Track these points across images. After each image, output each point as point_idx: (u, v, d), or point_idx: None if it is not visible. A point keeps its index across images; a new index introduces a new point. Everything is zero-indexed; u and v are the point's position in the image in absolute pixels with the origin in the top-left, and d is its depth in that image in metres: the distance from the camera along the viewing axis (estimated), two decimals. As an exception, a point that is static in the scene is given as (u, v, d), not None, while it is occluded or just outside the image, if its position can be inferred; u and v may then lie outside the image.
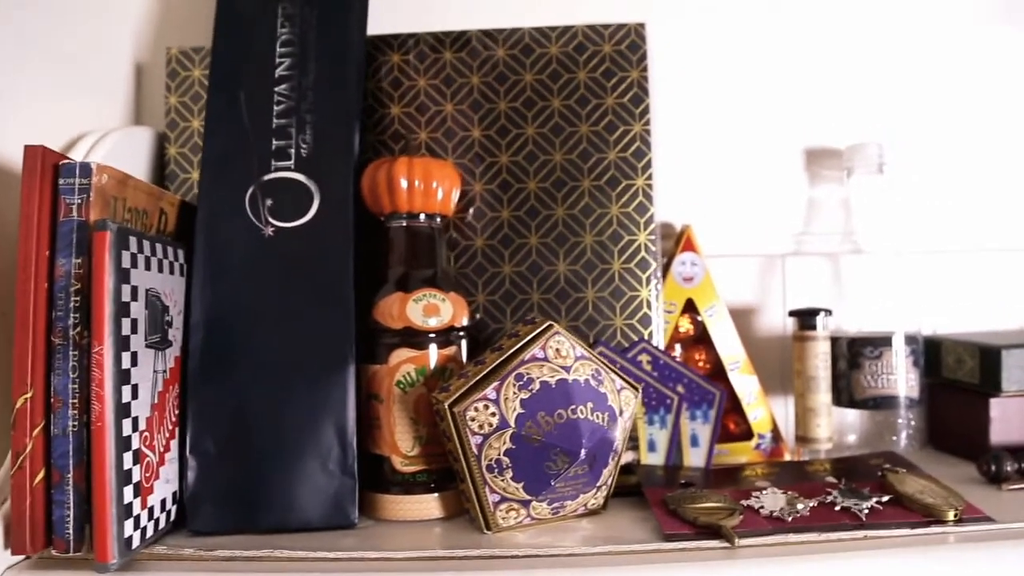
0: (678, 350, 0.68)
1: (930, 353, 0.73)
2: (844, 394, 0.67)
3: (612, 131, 0.64)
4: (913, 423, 0.67)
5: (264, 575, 0.47)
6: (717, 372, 0.68)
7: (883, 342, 0.65)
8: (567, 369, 0.52)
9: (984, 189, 0.77)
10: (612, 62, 0.65)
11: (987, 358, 0.66)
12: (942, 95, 0.76)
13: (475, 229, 0.64)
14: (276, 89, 0.59)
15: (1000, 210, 0.77)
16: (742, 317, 0.73)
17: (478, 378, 0.52)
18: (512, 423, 0.51)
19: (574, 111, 0.64)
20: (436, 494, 0.55)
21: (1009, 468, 0.61)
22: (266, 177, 0.57)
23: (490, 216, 0.64)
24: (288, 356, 0.54)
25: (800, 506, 0.53)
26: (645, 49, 0.65)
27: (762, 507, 0.53)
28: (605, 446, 0.53)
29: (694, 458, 0.62)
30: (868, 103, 0.75)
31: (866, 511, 0.52)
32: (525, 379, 0.52)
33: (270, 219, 0.57)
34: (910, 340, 0.66)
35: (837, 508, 0.53)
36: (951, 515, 0.51)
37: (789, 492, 0.56)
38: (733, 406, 0.68)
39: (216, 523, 0.53)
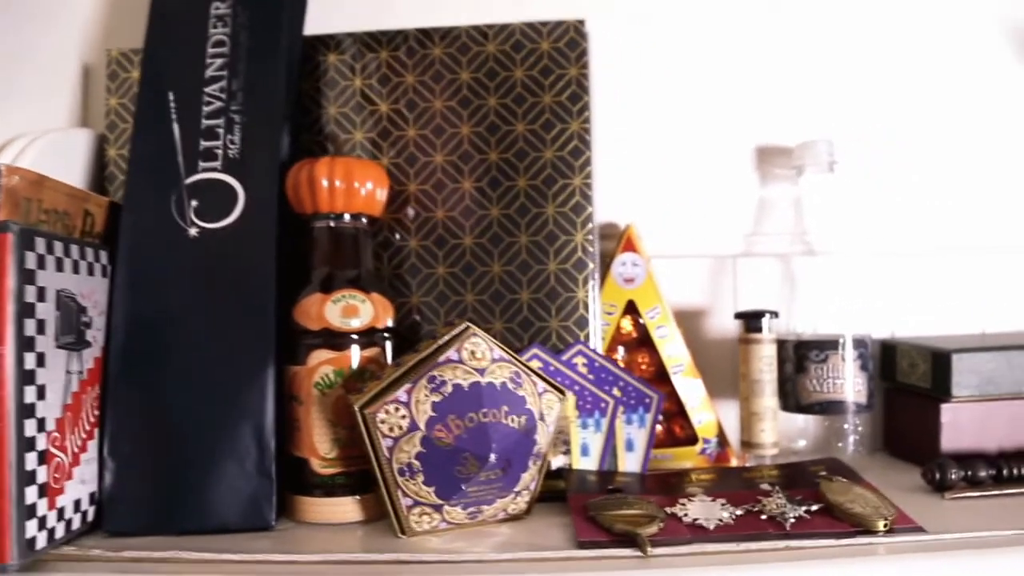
0: (621, 352, 0.67)
1: (886, 357, 0.71)
2: (791, 398, 0.65)
3: (549, 129, 0.63)
4: (860, 429, 0.65)
5: (174, 576, 0.47)
6: (661, 375, 0.66)
7: (829, 345, 0.63)
8: (481, 372, 0.51)
9: (939, 189, 0.75)
10: (550, 60, 0.63)
11: (938, 362, 0.63)
12: (895, 92, 0.74)
13: (409, 229, 0.63)
14: (206, 90, 0.59)
15: (959, 210, 0.75)
16: (692, 319, 0.71)
17: (391, 380, 0.51)
18: (422, 426, 0.50)
19: (510, 110, 0.63)
20: (355, 497, 0.54)
21: (954, 476, 0.59)
22: (193, 178, 0.57)
23: (424, 216, 0.63)
24: (208, 357, 0.54)
25: (726, 514, 0.52)
26: (584, 46, 0.64)
27: (686, 515, 0.52)
28: (521, 450, 0.52)
29: (629, 463, 0.61)
30: (819, 100, 0.73)
31: (792, 520, 0.51)
32: (438, 382, 0.51)
33: (195, 220, 0.57)
34: (858, 343, 0.64)
35: (764, 517, 0.51)
36: (880, 525, 0.50)
37: (719, 499, 0.54)
38: (678, 410, 0.66)
39: (133, 524, 0.53)
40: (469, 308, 0.63)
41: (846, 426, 0.64)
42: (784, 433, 0.67)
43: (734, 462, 0.66)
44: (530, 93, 0.63)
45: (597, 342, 0.63)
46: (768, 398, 0.64)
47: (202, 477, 0.53)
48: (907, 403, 0.68)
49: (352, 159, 0.57)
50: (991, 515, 0.54)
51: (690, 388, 0.66)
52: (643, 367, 0.67)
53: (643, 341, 0.67)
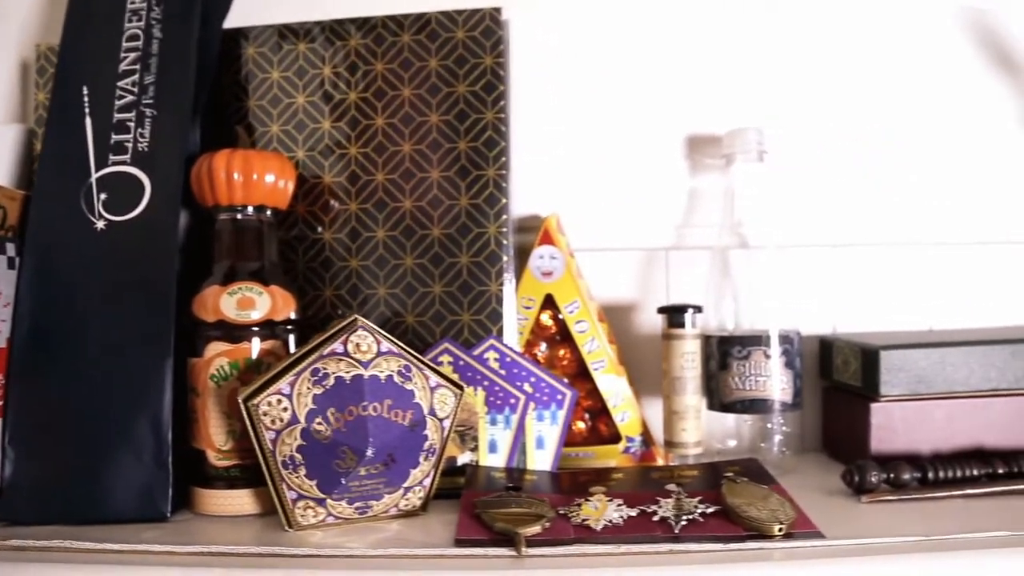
0: (543, 348, 0.66)
1: (824, 354, 0.69)
2: (715, 396, 0.63)
3: (463, 120, 0.62)
4: (786, 428, 0.63)
5: (59, 565, 0.47)
6: (583, 371, 0.65)
7: (752, 342, 0.61)
8: (365, 365, 0.51)
9: (881, 180, 0.72)
10: (466, 49, 0.63)
11: (867, 360, 0.61)
12: (830, 79, 0.72)
13: (323, 222, 0.63)
14: (119, 84, 0.60)
15: (902, 203, 0.72)
16: (622, 314, 0.70)
17: (275, 372, 0.51)
18: (302, 419, 0.50)
19: (425, 100, 0.63)
20: (250, 490, 0.54)
21: (874, 479, 0.56)
22: (103, 171, 0.58)
23: (338, 209, 0.63)
24: (110, 348, 0.55)
25: (617, 515, 0.50)
26: (500, 34, 0.63)
27: (576, 515, 0.50)
28: (408, 445, 0.52)
29: (539, 461, 0.59)
30: (750, 88, 0.71)
31: (684, 523, 0.49)
32: (320, 374, 0.51)
33: (103, 213, 0.58)
34: (784, 340, 0.62)
35: (656, 518, 0.50)
36: (775, 529, 0.48)
37: (616, 500, 0.53)
38: (603, 407, 0.65)
39: (32, 513, 0.53)
40: (382, 301, 0.62)
41: (770, 425, 0.62)
42: (716, 432, 0.65)
43: (660, 461, 0.65)
44: (445, 83, 0.63)
45: (512, 336, 0.63)
46: (690, 396, 0.62)
47: (100, 468, 0.54)
48: (841, 402, 0.66)
49: (252, 151, 0.57)
50: (905, 519, 0.52)
51: (612, 385, 0.64)
52: (565, 363, 0.65)
53: (565, 336, 0.65)
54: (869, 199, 0.71)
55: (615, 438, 0.65)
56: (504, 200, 0.62)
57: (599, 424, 0.66)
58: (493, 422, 0.59)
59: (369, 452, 0.49)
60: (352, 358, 0.51)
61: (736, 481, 0.53)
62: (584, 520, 0.50)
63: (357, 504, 0.52)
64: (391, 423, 0.51)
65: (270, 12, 0.66)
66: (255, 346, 0.55)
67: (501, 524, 0.48)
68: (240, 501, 0.55)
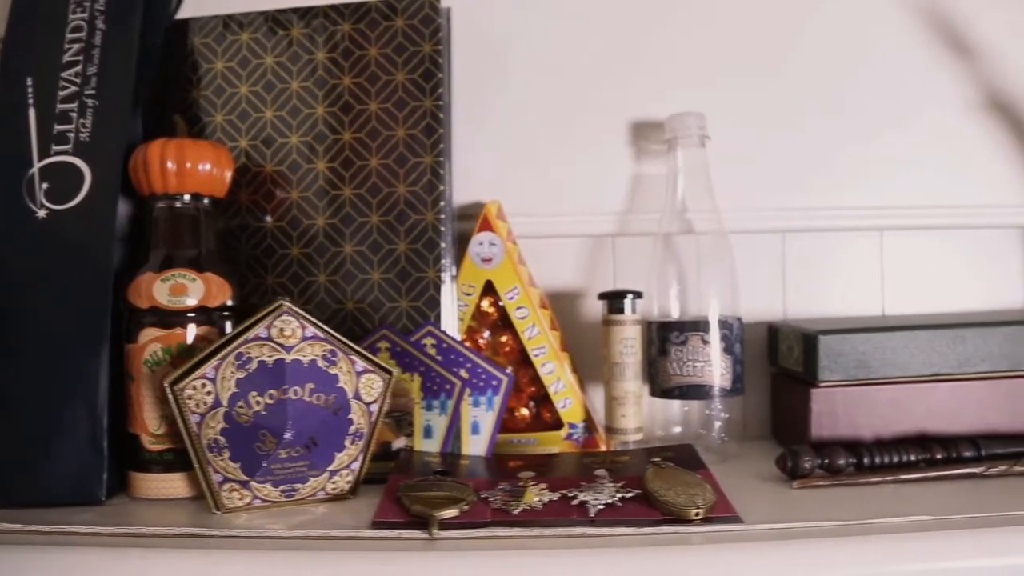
0: (487, 335, 0.66)
1: (772, 340, 0.68)
2: (655, 382, 0.63)
3: (402, 108, 0.63)
4: (724, 414, 0.62)
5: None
6: (526, 358, 0.65)
7: (690, 327, 0.61)
8: (288, 349, 0.52)
9: (828, 165, 0.71)
10: (405, 37, 0.63)
11: (808, 345, 0.61)
12: (772, 66, 0.71)
13: (266, 210, 0.64)
14: (62, 75, 0.61)
15: (846, 188, 0.71)
16: (569, 301, 0.70)
17: (201, 357, 0.52)
18: (225, 402, 0.51)
19: (364, 89, 0.63)
20: (183, 473, 0.55)
21: (807, 464, 0.56)
22: (45, 161, 0.59)
23: (280, 197, 0.64)
24: (48, 335, 0.56)
25: (536, 499, 0.51)
26: (439, 22, 0.63)
27: (495, 499, 0.51)
28: (331, 429, 0.52)
29: (474, 446, 0.60)
30: (693, 73, 0.71)
31: (601, 507, 0.49)
32: (244, 358, 0.51)
33: (44, 202, 0.59)
34: (723, 325, 0.62)
35: (575, 503, 0.50)
36: (692, 513, 0.48)
37: (540, 484, 0.53)
38: (546, 394, 0.65)
39: (-31, 497, 0.55)
40: (322, 288, 0.63)
41: (709, 412, 0.62)
42: (661, 418, 0.65)
43: (602, 447, 0.65)
44: (384, 71, 0.63)
45: (452, 323, 0.63)
46: (629, 382, 0.62)
47: (36, 452, 0.55)
48: (786, 388, 0.66)
49: (187, 141, 0.58)
50: (832, 504, 0.52)
51: (554, 371, 0.64)
52: (507, 350, 0.66)
53: (506, 323, 0.66)
54: (819, 185, 0.71)
55: (558, 424, 0.65)
56: (442, 187, 0.62)
57: (543, 411, 0.66)
58: (429, 407, 0.60)
59: (288, 435, 0.50)
60: (275, 343, 0.52)
61: (662, 466, 0.53)
62: (502, 504, 0.50)
63: (283, 487, 0.53)
64: (312, 407, 0.51)
65: (216, 2, 0.67)
66: (190, 332, 0.56)
67: (417, 507, 0.49)
68: (173, 484, 0.56)
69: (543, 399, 0.66)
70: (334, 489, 0.54)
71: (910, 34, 0.72)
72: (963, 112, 0.71)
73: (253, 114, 0.65)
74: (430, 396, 0.60)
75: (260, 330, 0.52)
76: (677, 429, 0.65)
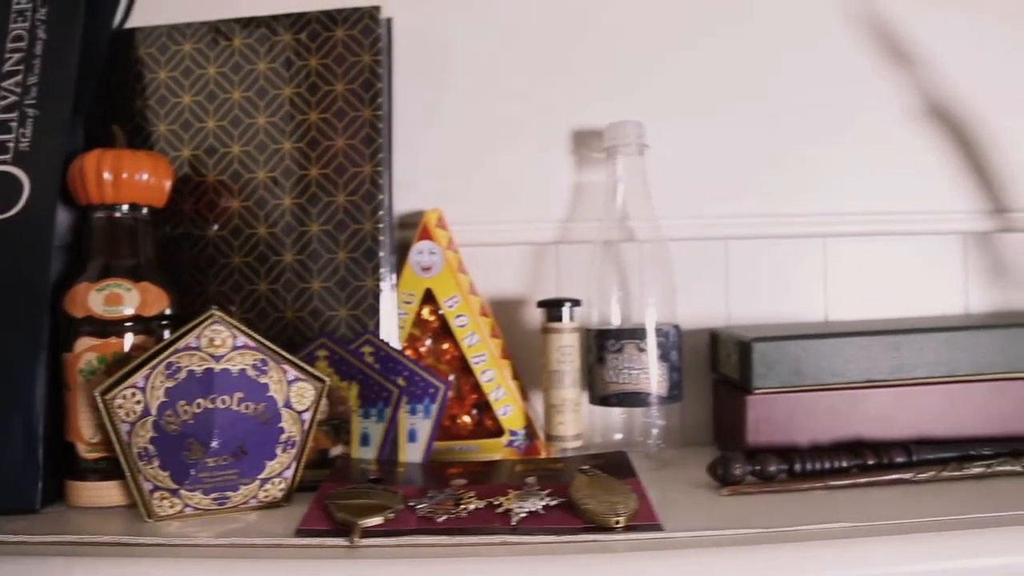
0: (429, 342, 0.67)
1: (713, 347, 0.69)
2: (594, 390, 0.64)
3: (341, 118, 0.64)
4: (660, 421, 0.63)
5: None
6: (468, 365, 0.66)
7: (625, 335, 0.62)
8: (218, 358, 0.53)
9: (770, 173, 0.73)
10: (345, 47, 0.64)
11: (742, 352, 0.62)
12: (716, 73, 0.73)
13: (208, 220, 0.65)
14: (2, 84, 0.62)
15: (789, 195, 0.72)
16: (512, 309, 0.71)
17: (133, 366, 0.53)
18: (154, 411, 0.52)
19: (305, 99, 0.64)
20: (118, 481, 0.56)
21: (738, 471, 0.57)
22: (-17, 172, 0.60)
23: (222, 207, 0.65)
24: (-15, 344, 0.57)
25: (461, 507, 0.52)
26: (379, 32, 0.64)
27: (423, 506, 0.52)
28: (261, 438, 0.53)
29: (411, 453, 0.61)
30: (632, 81, 0.72)
31: (524, 515, 0.50)
32: (174, 368, 0.52)
33: (-17, 212, 0.60)
34: (659, 332, 0.63)
35: (499, 511, 0.51)
36: (612, 521, 0.49)
37: (469, 492, 0.54)
38: (487, 401, 0.66)
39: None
40: (263, 298, 0.64)
41: (645, 419, 0.63)
42: (602, 426, 0.66)
43: (544, 455, 0.66)
44: (324, 82, 0.64)
45: (393, 331, 0.64)
46: (567, 389, 0.63)
47: (-28, 460, 0.56)
48: (726, 395, 0.67)
49: (125, 151, 0.59)
50: (757, 510, 0.52)
51: (494, 379, 0.65)
52: (448, 357, 0.67)
53: (447, 330, 0.67)
54: (763, 192, 0.72)
55: (500, 432, 0.66)
56: (381, 196, 0.63)
57: (485, 418, 0.67)
58: (366, 415, 0.61)
59: (214, 444, 0.51)
60: (205, 352, 0.53)
61: (589, 475, 0.54)
62: (429, 512, 0.51)
63: (214, 495, 0.53)
64: (241, 416, 0.52)
65: (163, 13, 0.68)
66: (127, 341, 0.57)
67: (342, 515, 0.50)
68: (109, 493, 0.56)
69: (485, 406, 0.67)
70: (266, 497, 0.55)
71: (852, 42, 0.73)
72: (904, 119, 0.73)
73: (196, 124, 0.65)
74: (368, 404, 0.61)
75: (191, 340, 0.53)
76: (618, 436, 0.66)
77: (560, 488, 0.53)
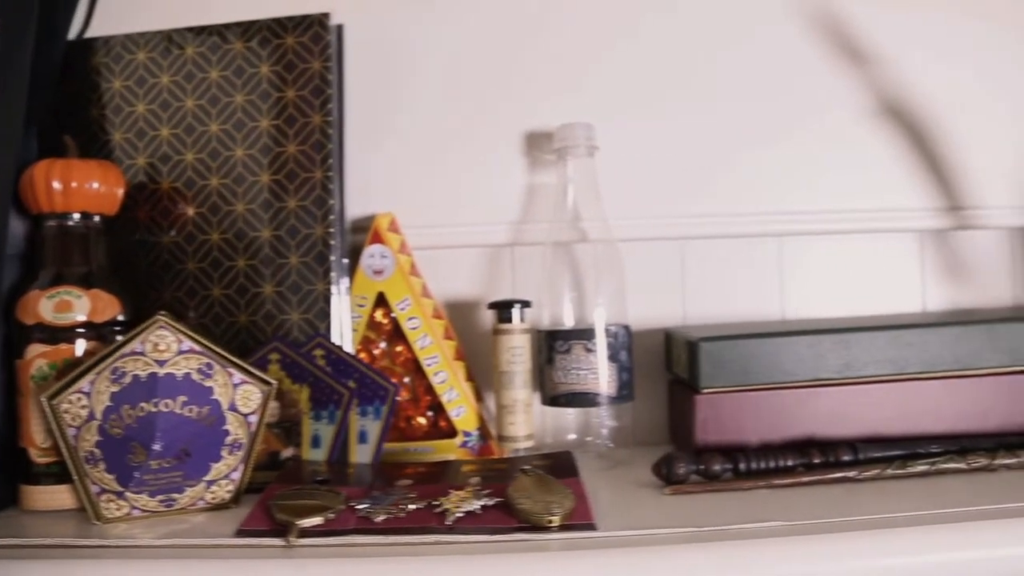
0: (383, 345, 0.68)
1: (667, 347, 0.70)
2: (544, 390, 0.65)
3: (292, 124, 0.65)
4: (612, 421, 0.64)
5: None
6: (420, 367, 0.67)
7: (573, 336, 0.63)
8: (162, 363, 0.54)
9: (722, 174, 0.73)
10: (295, 54, 0.66)
11: (691, 352, 0.62)
12: (670, 73, 0.74)
13: (162, 227, 0.66)
14: (-44, 96, 0.63)
15: (743, 195, 0.73)
16: (467, 311, 0.72)
17: (79, 371, 0.54)
18: (99, 416, 0.53)
19: (256, 106, 0.66)
20: (68, 485, 0.58)
21: (682, 471, 0.58)
22: (-64, 182, 0.62)
23: (176, 213, 0.66)
24: (-60, 352, 0.58)
25: (401, 507, 0.53)
26: (328, 39, 0.65)
27: (364, 507, 0.53)
28: (205, 440, 0.55)
29: (361, 455, 0.62)
30: (585, 83, 0.73)
31: (460, 515, 0.51)
32: (119, 372, 0.54)
33: (-64, 223, 0.61)
34: (608, 333, 0.63)
35: (437, 511, 0.52)
36: (546, 521, 0.50)
37: (411, 492, 0.55)
38: (440, 403, 0.67)
39: None
40: (216, 303, 0.65)
41: (594, 420, 0.64)
42: (555, 426, 0.67)
43: (497, 455, 0.67)
44: (275, 89, 0.66)
45: (346, 335, 0.65)
46: (518, 390, 0.65)
47: (-73, 465, 0.57)
48: (678, 394, 0.68)
49: (75, 160, 0.60)
50: (698, 510, 0.53)
51: (446, 380, 0.67)
52: (402, 360, 0.68)
53: (400, 333, 0.68)
54: (718, 192, 0.73)
55: (454, 433, 0.67)
56: (332, 201, 0.64)
57: (440, 419, 0.68)
58: (317, 417, 0.62)
59: (157, 446, 0.52)
60: (149, 357, 0.54)
61: (529, 474, 0.55)
62: (368, 513, 0.52)
63: (160, 497, 0.55)
64: (184, 419, 0.54)
65: (118, 23, 0.69)
66: (79, 347, 0.59)
67: (281, 515, 0.51)
68: (61, 496, 0.58)
69: (440, 408, 0.68)
70: (214, 499, 0.56)
71: (807, 41, 0.73)
72: (860, 118, 0.73)
73: (150, 132, 0.67)
74: (319, 406, 0.62)
75: (136, 345, 0.54)
76: (571, 436, 0.67)
77: (500, 488, 0.54)
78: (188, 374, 0.55)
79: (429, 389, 0.68)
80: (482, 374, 0.70)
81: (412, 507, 0.53)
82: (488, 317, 0.72)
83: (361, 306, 0.67)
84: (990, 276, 0.74)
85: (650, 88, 0.73)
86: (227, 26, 0.67)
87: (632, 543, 0.49)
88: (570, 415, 0.66)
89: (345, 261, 0.66)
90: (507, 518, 0.51)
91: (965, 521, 0.50)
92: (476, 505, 0.52)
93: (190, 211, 0.66)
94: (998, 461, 0.59)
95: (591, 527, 0.50)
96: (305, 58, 0.65)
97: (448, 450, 0.67)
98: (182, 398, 0.54)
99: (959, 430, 0.63)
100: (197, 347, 0.56)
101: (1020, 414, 0.64)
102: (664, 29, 0.73)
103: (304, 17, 0.66)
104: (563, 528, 0.50)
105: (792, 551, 0.48)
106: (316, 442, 0.62)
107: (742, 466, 0.59)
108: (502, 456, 0.67)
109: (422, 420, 0.68)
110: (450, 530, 0.50)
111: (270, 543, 0.50)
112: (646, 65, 0.73)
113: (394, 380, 0.67)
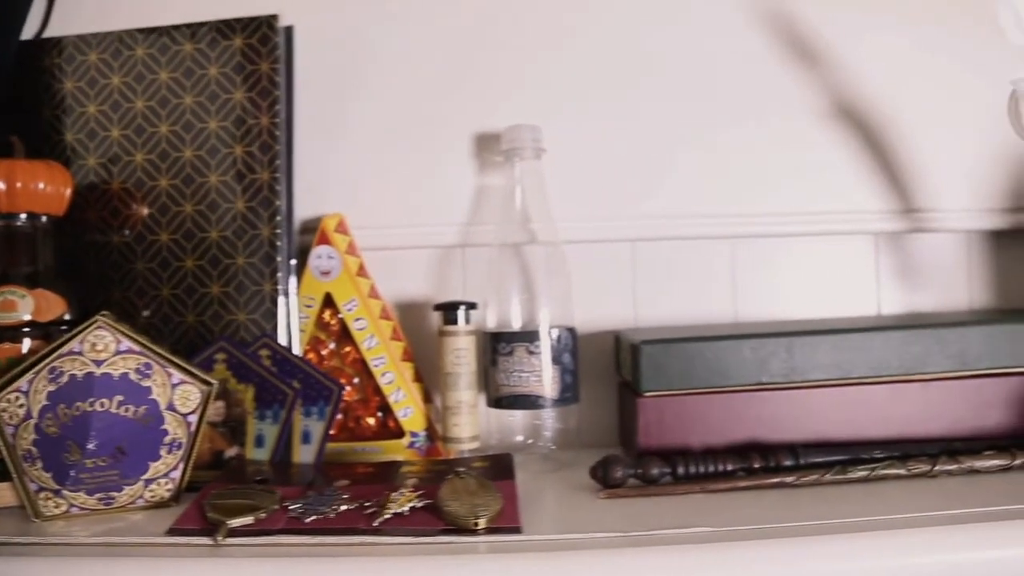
0: (332, 346, 0.69)
1: (617, 350, 0.71)
2: (488, 392, 0.66)
3: (240, 126, 0.66)
4: (557, 424, 0.65)
5: None
6: (367, 368, 0.68)
7: (516, 338, 0.64)
8: (99, 363, 0.55)
9: (671, 177, 0.74)
10: (243, 56, 0.66)
11: (633, 355, 0.63)
12: (623, 75, 0.74)
13: (112, 227, 0.67)
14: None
15: (693, 198, 0.74)
16: (418, 312, 0.73)
17: (18, 370, 0.55)
18: (35, 415, 0.54)
19: (205, 107, 0.67)
20: (7, 483, 0.59)
21: (619, 475, 0.58)
22: None
23: (126, 214, 0.67)
24: None
25: (333, 508, 0.54)
26: (276, 41, 0.66)
27: (297, 507, 0.54)
28: (143, 439, 0.56)
29: (304, 454, 0.63)
30: (535, 85, 0.73)
31: (388, 516, 0.52)
32: (57, 372, 0.55)
33: None
34: (551, 335, 0.64)
35: (368, 512, 0.53)
36: (470, 524, 0.50)
37: (345, 494, 0.56)
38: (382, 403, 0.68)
39: None
40: (165, 303, 0.66)
41: (538, 422, 0.65)
42: (503, 428, 0.68)
43: (444, 456, 0.68)
44: (223, 90, 0.67)
45: (294, 335, 0.66)
46: (462, 392, 0.65)
47: None
48: (625, 397, 0.68)
49: (20, 161, 0.61)
50: (628, 515, 0.53)
51: (393, 381, 0.67)
52: (350, 360, 0.69)
53: (348, 333, 0.69)
54: (669, 194, 0.73)
55: (402, 433, 0.68)
56: (278, 203, 0.65)
57: (389, 420, 0.69)
58: (262, 417, 0.63)
59: (90, 445, 0.54)
60: (87, 357, 0.55)
61: (461, 476, 0.56)
62: (299, 513, 0.53)
63: (98, 495, 0.56)
64: (119, 418, 0.55)
65: (71, 24, 0.70)
66: (25, 346, 0.60)
67: (212, 514, 0.52)
68: (3, 494, 0.59)
69: (389, 408, 0.69)
70: (153, 497, 0.58)
71: (759, 42, 0.74)
72: (815, 119, 0.74)
73: (101, 133, 0.68)
74: (263, 406, 0.63)
75: (74, 344, 0.56)
76: (519, 438, 0.67)
77: (433, 490, 0.55)
78: (126, 374, 0.56)
79: (378, 390, 0.69)
80: (432, 375, 0.71)
81: (344, 508, 0.54)
82: (437, 319, 0.73)
83: (309, 306, 0.68)
84: (946, 279, 0.74)
85: (601, 89, 0.73)
86: (177, 27, 0.68)
87: (556, 547, 0.49)
88: (515, 417, 0.67)
89: (293, 262, 0.67)
90: (435, 520, 0.52)
91: (899, 528, 0.50)
92: (405, 507, 0.53)
93: (140, 212, 0.67)
94: (939, 467, 0.59)
95: (517, 530, 0.51)
96: (253, 59, 0.66)
97: (396, 450, 0.68)
98: (118, 397, 0.55)
99: (906, 435, 0.64)
100: (136, 347, 0.57)
101: (968, 419, 0.64)
102: (612, 29, 0.74)
103: (252, 19, 0.67)
104: (489, 531, 0.51)
105: (717, 557, 0.49)
106: (260, 442, 0.63)
107: (681, 470, 0.59)
108: (447, 457, 0.67)
109: (371, 420, 0.69)
110: (376, 531, 0.51)
111: (199, 542, 0.51)
112: (597, 66, 0.73)
113: (343, 381, 0.69)
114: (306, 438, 0.64)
